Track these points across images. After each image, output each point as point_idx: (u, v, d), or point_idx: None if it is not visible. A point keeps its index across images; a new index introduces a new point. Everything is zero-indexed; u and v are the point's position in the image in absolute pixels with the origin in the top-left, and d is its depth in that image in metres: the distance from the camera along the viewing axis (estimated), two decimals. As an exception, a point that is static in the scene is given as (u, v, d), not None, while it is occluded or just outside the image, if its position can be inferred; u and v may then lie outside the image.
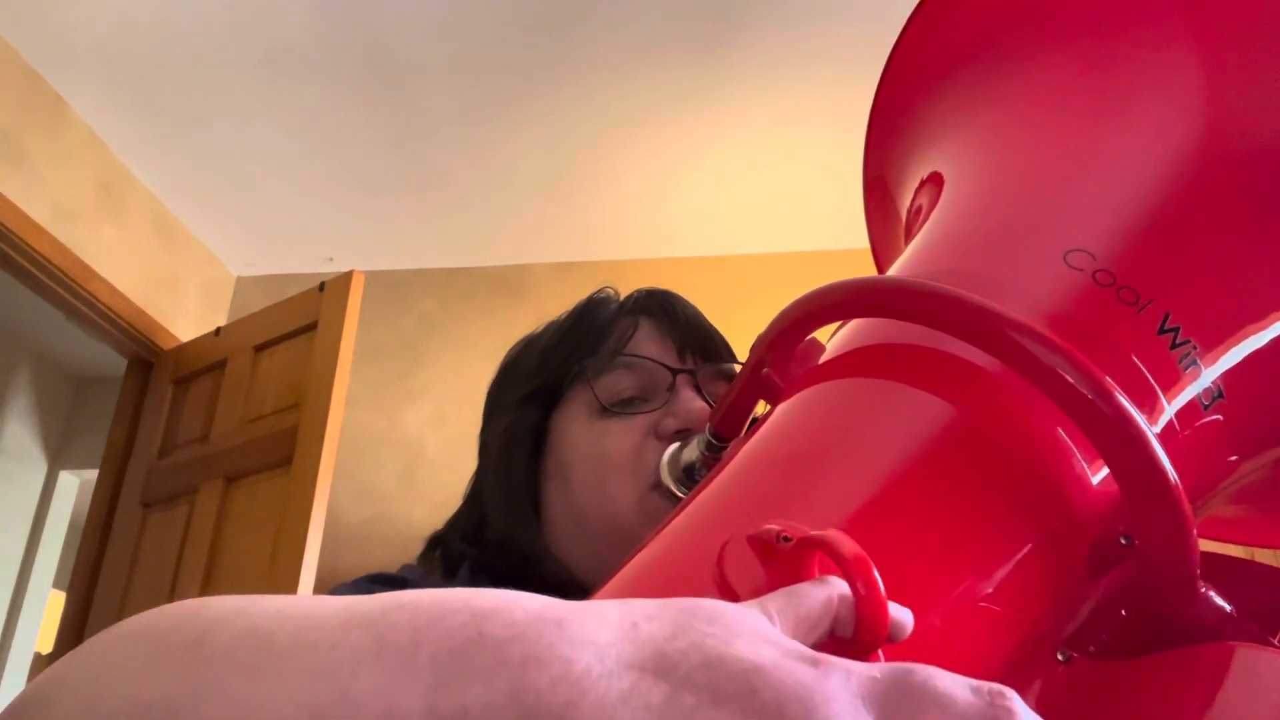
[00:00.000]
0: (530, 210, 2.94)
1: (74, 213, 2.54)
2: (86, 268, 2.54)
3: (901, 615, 0.26)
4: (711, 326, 0.71)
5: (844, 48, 2.25)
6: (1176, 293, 0.38)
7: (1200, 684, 0.28)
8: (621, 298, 0.73)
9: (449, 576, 0.68)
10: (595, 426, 0.65)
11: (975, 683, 0.21)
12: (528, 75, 2.46)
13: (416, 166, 2.78)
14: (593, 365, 0.66)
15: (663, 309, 0.70)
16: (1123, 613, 0.33)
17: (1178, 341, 0.37)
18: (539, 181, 2.82)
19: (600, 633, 0.23)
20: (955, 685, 0.21)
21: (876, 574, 0.25)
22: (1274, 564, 0.35)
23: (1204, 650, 0.29)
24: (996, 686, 0.21)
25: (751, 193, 2.83)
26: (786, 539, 0.28)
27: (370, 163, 2.77)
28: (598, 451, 0.63)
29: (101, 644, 0.27)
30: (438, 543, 0.70)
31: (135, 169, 2.79)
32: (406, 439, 2.91)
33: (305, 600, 0.26)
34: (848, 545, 0.26)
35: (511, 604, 0.24)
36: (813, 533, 0.27)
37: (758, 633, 0.23)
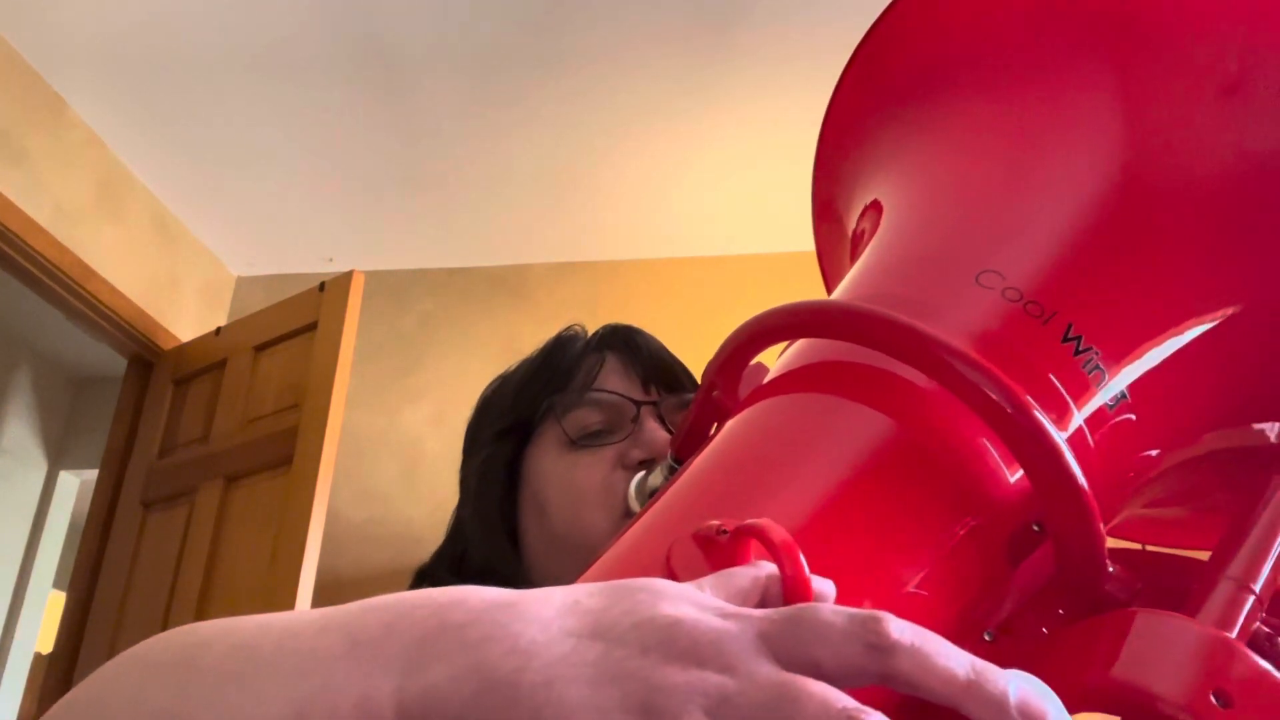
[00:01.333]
0: (530, 210, 2.94)
1: (74, 213, 2.55)
2: (86, 268, 2.54)
3: (824, 588, 0.29)
4: (673, 358, 0.75)
5: (845, 47, 2.24)
6: (1077, 305, 0.41)
7: (1105, 644, 0.31)
8: (589, 334, 0.77)
9: None
10: (566, 459, 0.69)
11: (853, 610, 0.24)
12: (528, 75, 2.46)
13: (417, 166, 2.78)
14: (561, 402, 0.71)
15: (626, 344, 0.74)
16: (1061, 612, 0.36)
17: (1080, 349, 0.40)
18: (539, 181, 2.83)
19: (545, 611, 0.26)
20: (836, 614, 0.24)
21: (801, 556, 0.28)
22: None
23: (1109, 616, 0.32)
24: (872, 612, 0.24)
25: (751, 193, 2.83)
26: (725, 531, 0.31)
27: (370, 163, 2.77)
28: (570, 483, 0.68)
29: (104, 672, 0.30)
30: (425, 575, 0.74)
31: (135, 169, 2.79)
32: (406, 439, 2.91)
33: (286, 614, 0.29)
34: (777, 532, 0.29)
35: (470, 594, 0.27)
36: (746, 522, 0.30)
37: (682, 596, 0.26)
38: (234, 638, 0.28)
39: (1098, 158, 0.46)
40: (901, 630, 0.24)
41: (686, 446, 0.49)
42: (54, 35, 2.37)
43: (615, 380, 0.72)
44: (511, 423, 0.73)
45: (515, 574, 0.68)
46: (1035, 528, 0.34)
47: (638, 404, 0.69)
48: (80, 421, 3.94)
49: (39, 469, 3.82)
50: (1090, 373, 0.40)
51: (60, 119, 2.54)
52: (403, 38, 2.35)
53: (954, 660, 0.23)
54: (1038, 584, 0.36)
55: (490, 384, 0.80)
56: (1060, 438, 0.33)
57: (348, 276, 2.39)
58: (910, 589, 0.33)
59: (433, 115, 2.60)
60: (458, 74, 2.46)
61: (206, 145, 2.72)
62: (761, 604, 0.28)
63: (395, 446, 2.91)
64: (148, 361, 2.81)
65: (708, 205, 2.90)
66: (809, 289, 0.70)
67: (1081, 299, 0.42)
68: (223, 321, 2.98)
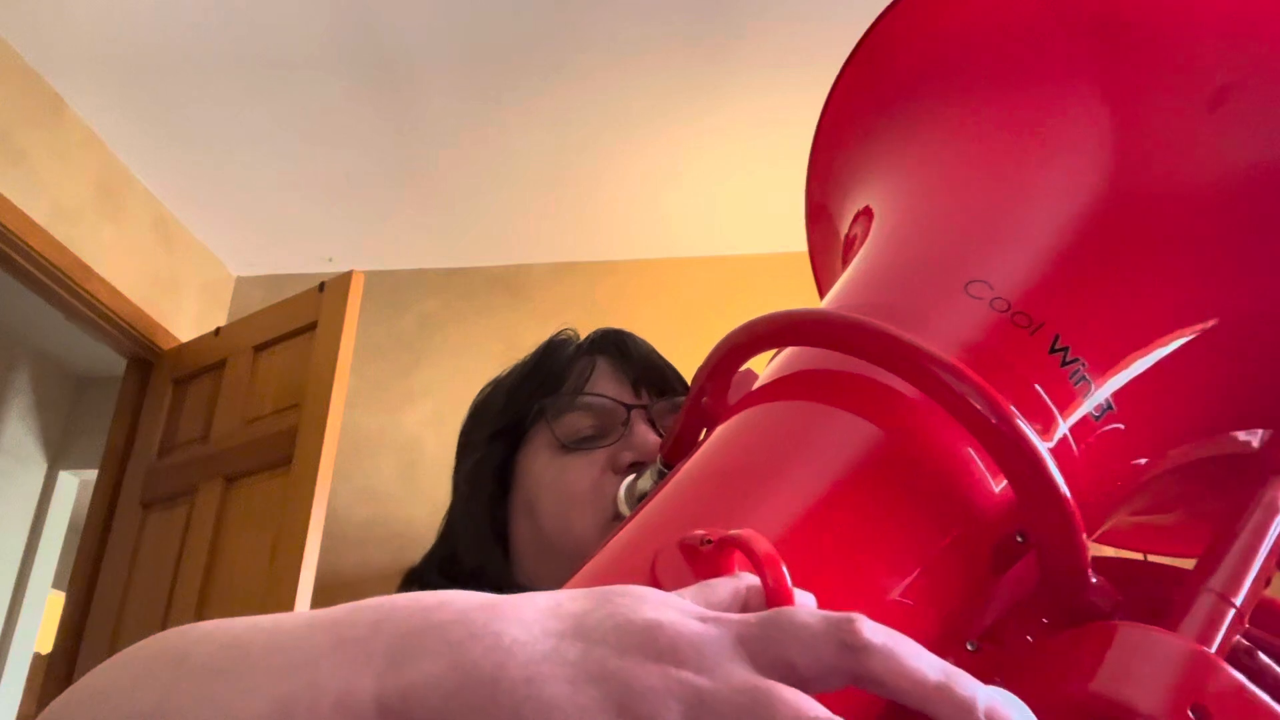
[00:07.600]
0: (530, 210, 2.94)
1: (74, 213, 2.55)
2: (86, 268, 2.54)
3: (805, 599, 0.29)
4: (664, 361, 0.75)
5: (843, 48, 2.25)
6: (1065, 316, 0.42)
7: (1086, 656, 0.31)
8: (581, 338, 0.77)
9: None
10: (557, 463, 0.69)
11: (828, 613, 0.25)
12: (527, 76, 2.46)
13: (416, 167, 2.79)
14: (552, 406, 0.71)
15: (617, 348, 0.74)
16: (1045, 621, 0.36)
17: (1068, 360, 0.41)
18: (538, 181, 2.83)
19: (527, 612, 0.27)
20: (811, 616, 0.25)
21: (784, 568, 0.28)
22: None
23: (1090, 628, 0.32)
24: (846, 614, 0.25)
25: (749, 193, 2.83)
26: (709, 541, 0.31)
27: (370, 163, 2.77)
28: (560, 486, 0.68)
29: (102, 669, 0.30)
30: (414, 577, 0.74)
31: (135, 169, 2.79)
32: (406, 439, 2.92)
33: (279, 614, 0.30)
34: (759, 543, 0.29)
35: (455, 597, 0.28)
36: (730, 532, 0.30)
37: (663, 602, 0.27)
38: (226, 635, 0.29)
39: (1087, 167, 0.46)
40: (874, 631, 0.24)
41: (675, 451, 0.49)
42: (54, 35, 2.37)
43: (606, 384, 0.72)
44: (503, 426, 0.73)
45: (504, 577, 0.69)
46: (1019, 538, 0.35)
47: (628, 408, 0.70)
48: (80, 421, 3.95)
49: (39, 469, 3.83)
50: (1077, 383, 0.40)
51: (60, 119, 2.54)
52: (402, 38, 2.35)
53: (925, 663, 0.24)
54: (1022, 592, 0.36)
55: (483, 389, 0.80)
56: (1043, 447, 0.33)
57: (347, 276, 2.39)
58: (893, 598, 0.34)
59: (432, 116, 2.60)
60: (457, 75, 2.46)
61: (206, 145, 2.72)
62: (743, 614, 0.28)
63: (395, 446, 2.91)
64: (147, 361, 2.81)
65: (706, 206, 2.91)
66: (806, 289, 0.70)
67: (1069, 310, 0.42)
68: (222, 321, 2.99)
